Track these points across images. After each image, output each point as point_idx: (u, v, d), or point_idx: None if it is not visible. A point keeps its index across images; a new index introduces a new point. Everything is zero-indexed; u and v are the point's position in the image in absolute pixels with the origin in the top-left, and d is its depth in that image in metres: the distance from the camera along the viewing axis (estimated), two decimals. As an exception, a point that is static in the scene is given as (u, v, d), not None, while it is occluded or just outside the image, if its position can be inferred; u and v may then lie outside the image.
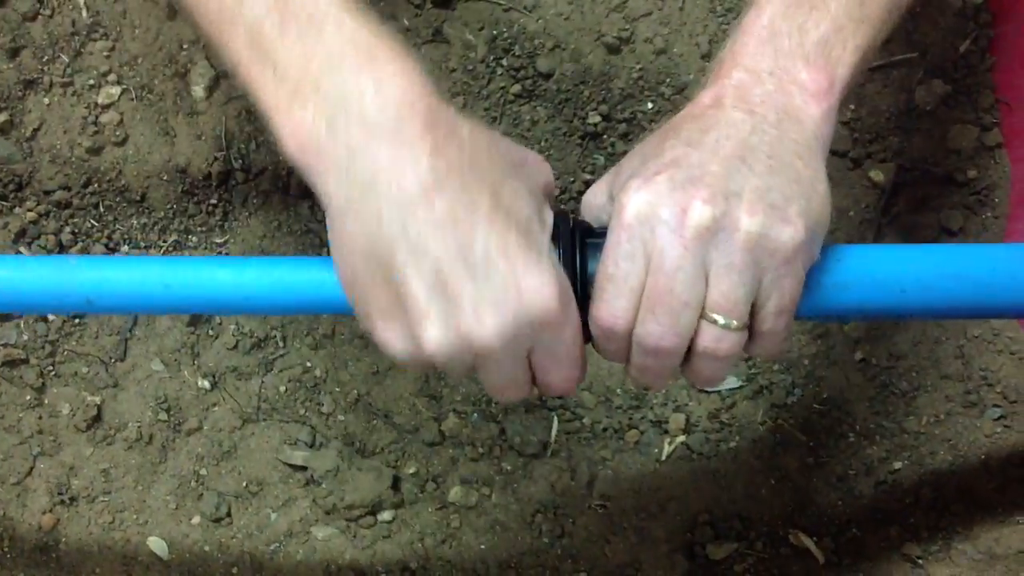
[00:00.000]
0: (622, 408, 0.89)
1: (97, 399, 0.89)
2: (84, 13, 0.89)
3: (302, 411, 0.89)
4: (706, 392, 0.89)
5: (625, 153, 0.87)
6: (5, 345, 0.89)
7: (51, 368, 0.89)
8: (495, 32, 0.88)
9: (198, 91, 0.89)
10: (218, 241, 0.91)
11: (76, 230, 0.89)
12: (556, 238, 0.51)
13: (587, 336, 0.52)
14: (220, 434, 0.89)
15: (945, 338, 0.86)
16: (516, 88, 0.88)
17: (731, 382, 0.89)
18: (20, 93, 0.88)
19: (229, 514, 0.88)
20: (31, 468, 0.88)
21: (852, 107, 0.88)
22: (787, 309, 0.50)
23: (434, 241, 0.45)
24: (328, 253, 0.91)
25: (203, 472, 0.88)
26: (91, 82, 0.89)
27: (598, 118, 0.88)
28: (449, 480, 0.88)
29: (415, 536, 0.87)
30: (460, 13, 0.88)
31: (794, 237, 0.48)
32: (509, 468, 0.89)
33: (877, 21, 0.54)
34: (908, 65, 0.88)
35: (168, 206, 0.90)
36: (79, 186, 0.89)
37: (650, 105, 0.88)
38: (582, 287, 0.51)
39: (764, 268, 0.48)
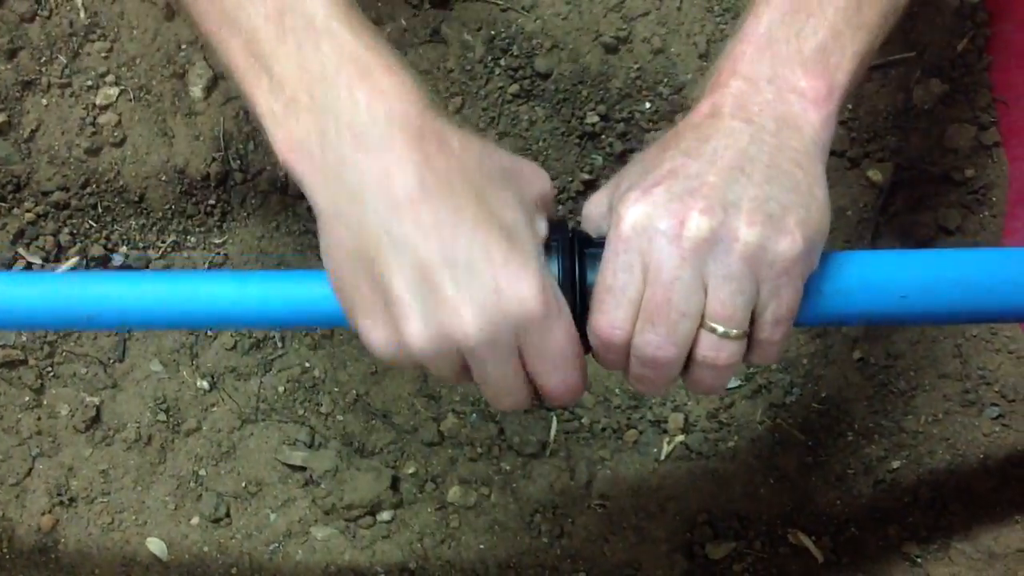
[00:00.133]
0: (621, 408, 0.89)
1: (96, 400, 0.89)
2: (82, 14, 0.89)
3: (301, 411, 0.89)
4: (703, 395, 0.89)
5: (623, 153, 0.88)
6: (4, 346, 0.89)
7: (50, 369, 0.89)
8: (493, 32, 0.88)
9: (196, 92, 0.89)
10: (216, 242, 0.91)
11: (74, 231, 0.89)
12: (555, 248, 0.51)
13: (587, 347, 0.52)
14: (219, 434, 0.89)
15: (943, 337, 0.86)
16: (514, 88, 0.88)
17: (730, 382, 0.89)
18: (18, 94, 0.88)
19: (228, 514, 0.88)
20: (30, 469, 0.88)
21: (850, 107, 0.88)
22: (785, 318, 0.50)
23: (418, 243, 0.46)
24: (326, 253, 0.91)
25: (202, 473, 0.88)
26: (89, 83, 0.89)
27: (596, 118, 0.88)
28: (448, 480, 0.88)
29: (414, 536, 0.87)
30: (458, 13, 0.89)
31: (792, 248, 0.48)
32: (508, 468, 0.89)
33: (874, 27, 0.54)
34: (905, 64, 0.88)
35: (166, 207, 0.90)
36: (77, 187, 0.89)
37: (648, 105, 0.88)
38: (581, 298, 0.51)
39: (762, 278, 0.48)
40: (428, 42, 0.89)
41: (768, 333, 0.50)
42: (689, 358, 0.50)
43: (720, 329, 0.48)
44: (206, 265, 0.90)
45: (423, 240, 0.46)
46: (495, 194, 0.48)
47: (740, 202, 0.48)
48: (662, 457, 0.88)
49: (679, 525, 0.87)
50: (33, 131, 0.89)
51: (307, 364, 0.90)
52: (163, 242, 0.90)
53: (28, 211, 0.89)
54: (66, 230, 0.89)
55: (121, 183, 0.90)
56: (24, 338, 0.89)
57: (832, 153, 0.87)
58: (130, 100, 0.89)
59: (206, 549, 0.87)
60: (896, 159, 0.88)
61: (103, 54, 0.89)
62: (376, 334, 0.48)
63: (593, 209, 0.55)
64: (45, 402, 0.89)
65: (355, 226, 0.47)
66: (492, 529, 0.88)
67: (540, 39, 0.88)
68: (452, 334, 0.46)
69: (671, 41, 0.88)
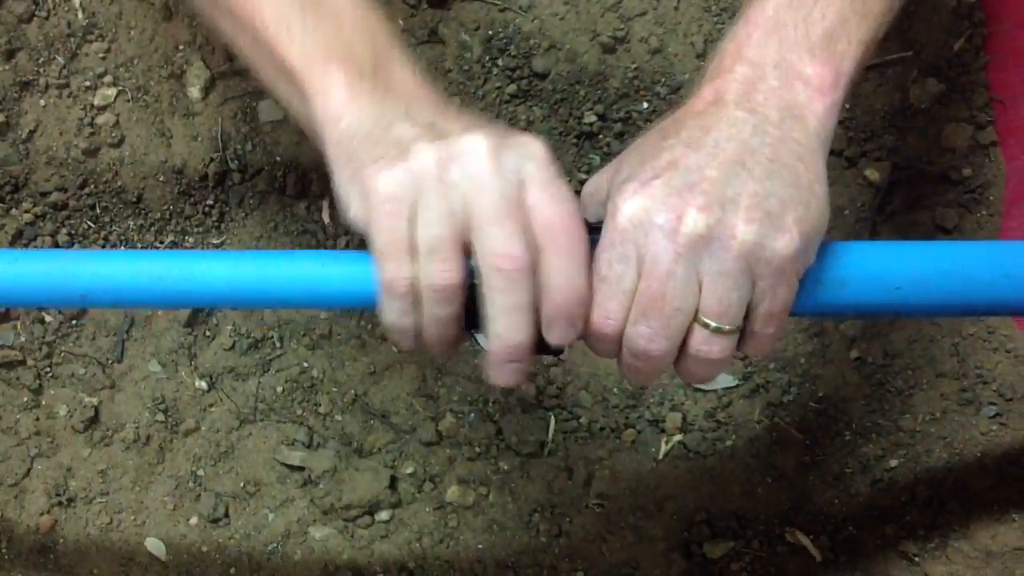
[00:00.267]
0: (619, 407, 0.89)
1: (94, 400, 0.89)
2: (80, 15, 0.89)
3: (299, 411, 0.89)
4: (702, 391, 0.89)
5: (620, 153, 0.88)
6: (2, 347, 0.89)
7: (48, 370, 0.89)
8: (491, 32, 0.88)
9: (194, 92, 0.89)
10: (215, 242, 0.91)
11: (73, 231, 0.89)
12: None
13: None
14: (217, 435, 0.89)
15: (940, 336, 0.86)
16: (512, 88, 0.88)
17: (727, 381, 0.89)
18: (16, 95, 0.88)
19: (227, 514, 0.88)
20: (29, 469, 0.88)
21: (847, 106, 0.88)
22: (779, 313, 0.50)
23: (432, 111, 0.50)
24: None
25: (201, 473, 0.88)
26: (87, 83, 0.89)
27: (594, 118, 0.88)
28: (446, 480, 0.88)
29: (413, 536, 0.87)
30: (456, 13, 0.89)
31: (789, 246, 0.48)
32: (506, 468, 0.89)
33: (878, 16, 0.53)
34: (903, 64, 0.88)
35: (164, 207, 0.90)
36: (75, 187, 0.89)
37: (645, 105, 0.88)
38: None
39: (758, 275, 0.48)
40: (426, 42, 0.89)
41: (762, 327, 0.50)
42: (681, 350, 0.50)
43: (713, 324, 0.48)
44: (204, 265, 0.90)
45: (438, 114, 0.50)
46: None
47: (739, 198, 0.47)
48: (660, 456, 0.88)
49: (677, 524, 0.87)
50: (31, 132, 0.89)
51: (305, 364, 0.90)
52: (161, 242, 0.90)
53: (26, 212, 0.89)
54: (64, 231, 0.89)
55: (119, 184, 0.90)
56: (23, 339, 0.89)
57: (830, 152, 0.87)
58: (128, 101, 0.89)
59: (205, 549, 0.87)
60: (893, 158, 0.88)
61: (101, 55, 0.89)
62: (382, 167, 0.48)
63: (590, 194, 0.55)
64: (43, 402, 0.89)
65: (375, 113, 0.50)
66: (490, 529, 0.88)
67: (537, 39, 0.88)
68: (460, 148, 0.47)
69: (668, 41, 0.88)
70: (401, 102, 0.51)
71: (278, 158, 0.90)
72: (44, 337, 0.89)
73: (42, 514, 0.88)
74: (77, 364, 0.89)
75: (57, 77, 0.88)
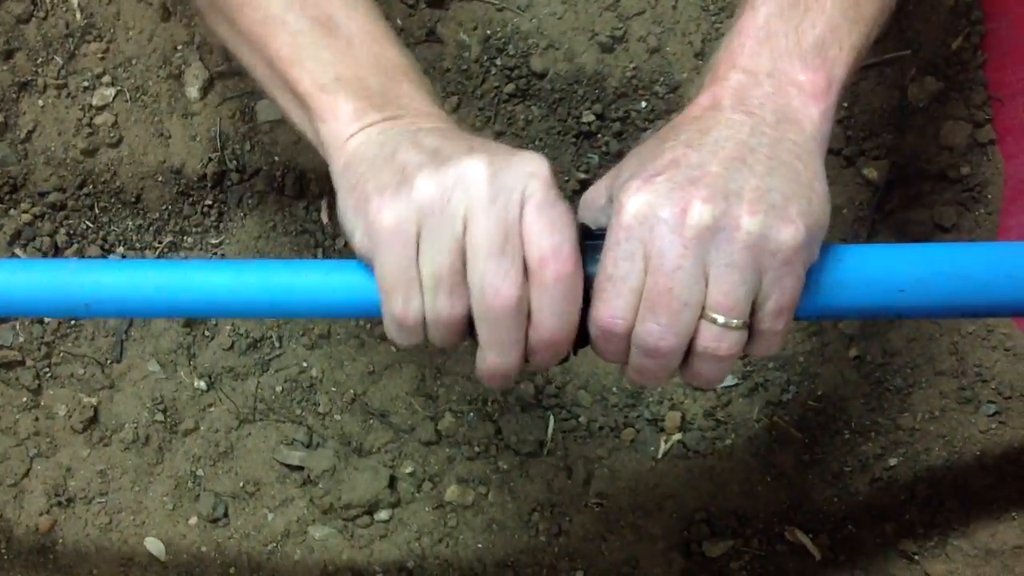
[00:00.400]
0: (618, 407, 0.89)
1: (93, 400, 0.89)
2: (78, 15, 0.89)
3: (298, 411, 0.89)
4: (701, 390, 0.89)
5: (619, 152, 0.88)
6: (1, 347, 0.89)
7: (47, 370, 0.89)
8: (489, 32, 0.88)
9: (192, 92, 0.89)
10: (213, 242, 0.91)
11: (71, 232, 0.90)
12: None
13: (586, 339, 0.52)
14: (217, 435, 0.89)
15: (939, 335, 0.86)
16: (510, 87, 0.88)
17: (727, 380, 0.89)
18: (14, 95, 0.88)
19: (226, 514, 0.88)
20: (28, 470, 0.88)
21: (845, 105, 0.88)
22: (787, 309, 0.50)
23: (436, 137, 0.51)
24: (323, 256, 0.91)
25: (200, 473, 0.88)
26: (85, 84, 0.89)
27: (592, 117, 0.88)
28: (446, 479, 0.88)
29: (412, 535, 0.87)
30: (454, 13, 0.89)
31: (795, 237, 0.48)
32: (506, 467, 0.89)
33: (871, 21, 0.54)
34: (901, 62, 0.88)
35: (163, 207, 0.90)
36: (74, 188, 0.89)
37: (644, 104, 0.88)
38: (582, 288, 0.51)
39: (764, 268, 0.48)
40: (424, 42, 0.89)
41: (770, 324, 0.50)
42: (689, 350, 0.50)
43: (721, 319, 0.48)
44: (203, 265, 0.90)
45: (443, 137, 0.51)
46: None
47: (742, 191, 0.48)
48: (659, 456, 0.88)
49: (676, 523, 0.87)
50: (30, 132, 0.89)
51: (305, 364, 0.90)
52: (160, 242, 0.90)
53: (25, 212, 0.89)
54: (63, 231, 0.89)
55: (118, 184, 0.90)
56: (21, 339, 0.89)
57: (828, 151, 0.87)
58: (126, 101, 0.89)
59: (204, 549, 0.87)
60: (892, 157, 0.88)
61: (99, 55, 0.89)
62: (384, 199, 0.49)
63: (591, 201, 0.55)
64: (43, 403, 0.89)
65: (381, 140, 0.51)
66: (490, 528, 0.88)
67: (536, 39, 0.88)
68: (461, 173, 0.48)
69: (667, 40, 0.88)
70: (408, 129, 0.52)
71: (276, 158, 0.90)
72: (43, 337, 0.89)
73: (41, 514, 0.88)
74: (76, 364, 0.89)
75: (55, 77, 0.88)
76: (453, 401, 0.89)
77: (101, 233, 0.90)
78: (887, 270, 0.53)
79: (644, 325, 0.49)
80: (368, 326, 0.90)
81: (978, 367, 0.85)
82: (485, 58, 0.88)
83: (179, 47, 0.90)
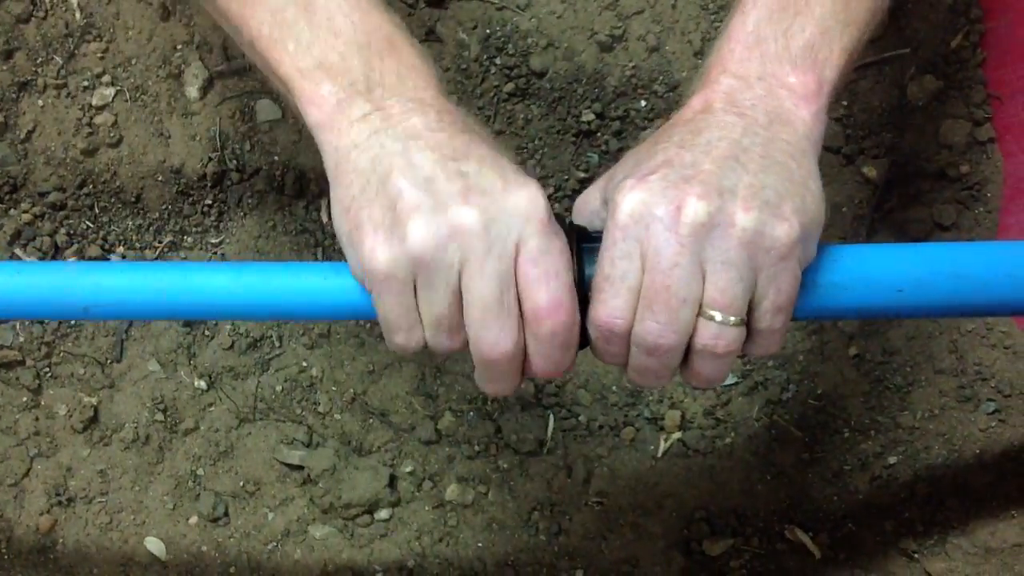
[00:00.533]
0: (618, 405, 0.89)
1: (94, 400, 0.89)
2: (77, 15, 0.89)
3: (298, 411, 0.89)
4: (701, 389, 0.89)
5: (619, 151, 0.88)
6: (1, 347, 0.89)
7: (47, 370, 0.89)
8: (488, 31, 0.88)
9: (192, 92, 0.89)
10: (213, 242, 0.91)
11: (71, 232, 0.90)
12: None
13: (585, 340, 0.52)
14: (217, 434, 0.89)
15: (939, 333, 0.86)
16: (510, 87, 0.88)
17: (727, 374, 0.89)
18: (14, 95, 0.89)
19: (226, 514, 0.88)
20: (28, 469, 0.88)
21: (844, 104, 0.88)
22: (784, 307, 0.50)
23: (430, 156, 0.49)
24: (323, 256, 0.91)
25: (200, 472, 0.89)
26: (85, 83, 0.89)
27: (591, 116, 0.88)
28: (446, 478, 0.88)
29: (412, 535, 0.87)
30: (453, 12, 0.89)
31: (789, 234, 0.48)
32: (506, 466, 0.89)
33: (861, 23, 0.54)
34: (900, 61, 0.88)
35: (163, 207, 0.90)
36: (74, 188, 0.89)
37: (643, 103, 0.88)
38: (579, 290, 0.51)
39: (760, 265, 0.48)
40: (423, 41, 0.89)
41: (768, 322, 0.50)
42: (688, 348, 0.50)
43: (719, 317, 0.48)
44: (203, 265, 0.91)
45: (436, 155, 0.49)
46: (504, 154, 0.52)
47: (736, 188, 0.48)
48: (659, 454, 0.88)
49: (676, 522, 0.87)
50: (29, 132, 0.89)
51: (304, 363, 0.90)
52: (160, 242, 0.90)
53: (25, 212, 0.89)
54: (63, 231, 0.89)
55: (118, 183, 0.90)
56: (21, 339, 0.89)
57: (827, 150, 0.88)
58: (126, 100, 0.89)
59: (204, 548, 0.87)
60: (891, 155, 0.88)
61: (99, 55, 0.89)
62: (379, 241, 0.48)
63: (585, 204, 0.55)
64: (43, 402, 0.89)
65: (373, 150, 0.50)
66: (490, 527, 0.88)
67: (535, 38, 0.88)
68: (455, 225, 0.47)
69: (666, 39, 0.88)
70: (400, 135, 0.50)
71: (276, 158, 0.90)
72: (43, 337, 0.89)
73: (42, 514, 0.88)
74: (76, 364, 0.90)
75: (55, 77, 0.89)
76: (453, 400, 0.89)
77: (101, 233, 0.90)
78: (885, 270, 0.54)
79: (643, 324, 0.49)
80: (368, 326, 0.90)
81: (978, 365, 0.85)
82: (484, 57, 0.88)
83: (179, 47, 0.90)
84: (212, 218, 0.90)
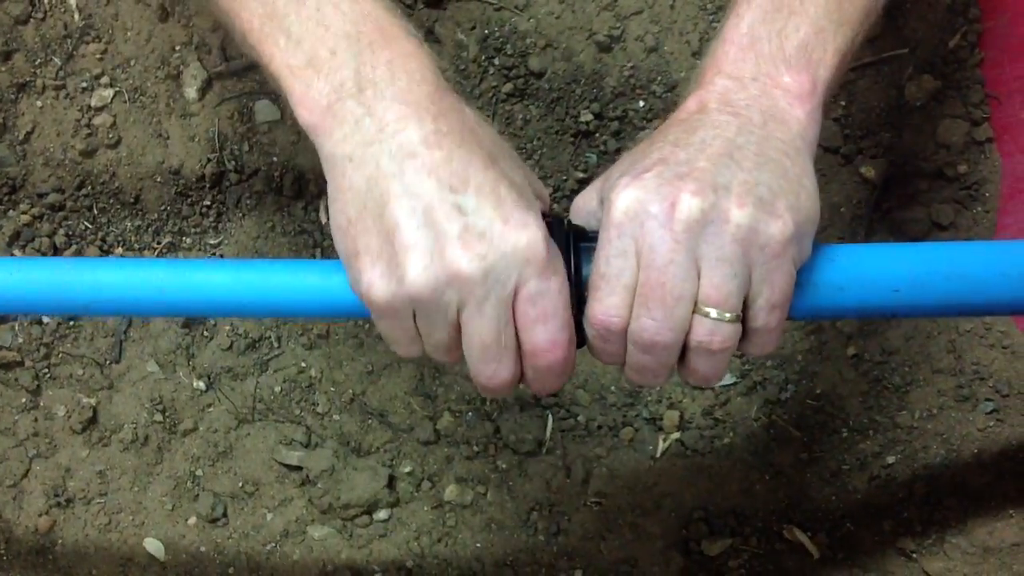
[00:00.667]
0: (616, 406, 0.89)
1: (92, 401, 0.89)
2: (76, 16, 0.89)
3: (297, 411, 0.89)
4: (700, 389, 0.89)
5: (617, 151, 0.88)
6: (0, 348, 0.89)
7: (46, 370, 0.89)
8: (487, 31, 0.88)
9: (191, 93, 0.90)
10: (212, 242, 0.91)
11: (70, 232, 0.90)
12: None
13: (582, 339, 0.52)
14: (215, 435, 0.89)
15: (937, 333, 0.87)
16: (508, 87, 0.88)
17: (725, 378, 0.89)
18: (13, 96, 0.89)
19: (225, 514, 0.88)
20: (27, 470, 0.89)
21: (843, 104, 0.88)
22: (779, 304, 0.50)
23: (427, 183, 0.47)
24: (322, 255, 0.91)
25: (199, 473, 0.89)
26: (84, 85, 0.89)
27: (590, 116, 0.88)
28: (444, 479, 0.88)
29: (411, 535, 0.88)
30: (452, 13, 0.89)
31: (783, 231, 0.48)
32: (504, 466, 0.89)
33: (855, 23, 0.54)
34: (898, 61, 0.88)
35: (162, 208, 0.90)
36: (73, 188, 0.89)
37: (642, 103, 0.88)
38: (576, 289, 0.51)
39: (754, 261, 0.48)
40: (422, 42, 0.89)
41: (763, 320, 0.50)
42: (685, 346, 0.50)
43: (714, 313, 0.48)
44: (202, 266, 0.91)
45: (433, 182, 0.47)
46: (504, 158, 0.51)
47: (731, 185, 0.48)
48: (658, 454, 0.88)
49: (675, 522, 0.87)
50: (28, 133, 0.89)
51: (303, 364, 0.90)
52: (159, 243, 0.90)
53: (24, 213, 0.89)
54: (62, 232, 0.89)
55: (116, 184, 0.90)
56: (20, 340, 0.89)
57: (825, 149, 0.88)
58: (125, 102, 0.89)
59: (203, 549, 0.87)
60: (889, 155, 0.88)
61: (98, 56, 0.89)
62: (376, 275, 0.48)
63: (583, 203, 0.55)
64: (42, 403, 0.89)
65: (368, 168, 0.48)
66: (489, 527, 0.88)
67: (534, 38, 0.88)
68: (453, 267, 0.47)
69: (664, 39, 0.88)
70: (394, 154, 0.48)
71: (275, 159, 0.90)
72: (42, 338, 0.89)
73: (41, 515, 0.88)
74: (75, 365, 0.90)
75: (54, 78, 0.89)
76: (452, 401, 0.89)
77: (100, 234, 0.90)
78: (882, 270, 0.54)
79: (639, 321, 0.49)
80: (367, 326, 0.90)
81: (976, 365, 0.85)
82: (483, 58, 0.88)
83: (177, 48, 0.90)
84: (211, 219, 0.91)
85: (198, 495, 0.88)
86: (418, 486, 0.88)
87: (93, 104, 0.89)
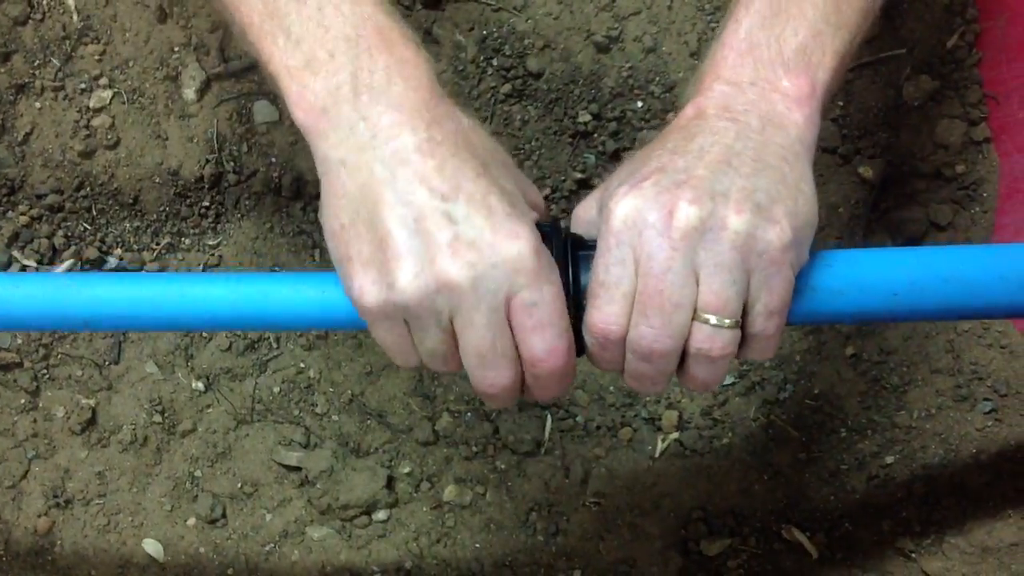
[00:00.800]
0: (615, 406, 0.89)
1: (91, 402, 0.89)
2: (75, 17, 0.89)
3: (296, 412, 0.89)
4: (699, 392, 0.89)
5: (615, 152, 0.88)
6: (-1, 349, 0.89)
7: (45, 371, 0.89)
8: (485, 32, 0.88)
9: (189, 94, 0.90)
10: (211, 243, 0.91)
11: (69, 234, 0.90)
12: (548, 250, 0.51)
13: (581, 347, 0.52)
14: (214, 435, 0.89)
15: (935, 333, 0.87)
16: (506, 88, 0.88)
17: (724, 376, 0.89)
18: (11, 97, 0.89)
19: (224, 515, 0.88)
20: (26, 471, 0.89)
21: (841, 104, 0.88)
22: (777, 310, 0.50)
23: (419, 191, 0.47)
24: (320, 257, 0.91)
25: (198, 474, 0.89)
26: (82, 86, 0.89)
27: (588, 117, 0.88)
28: (443, 479, 0.88)
29: (410, 535, 0.88)
30: (450, 14, 0.89)
31: (781, 237, 0.48)
32: (503, 467, 0.89)
33: (853, 26, 0.55)
34: (896, 61, 0.88)
35: (160, 209, 0.90)
36: (71, 190, 0.89)
37: (640, 104, 0.88)
38: (575, 299, 0.51)
39: (752, 268, 0.48)
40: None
41: (761, 326, 0.50)
42: (684, 353, 0.50)
43: (713, 320, 0.48)
44: (200, 267, 0.91)
45: (426, 190, 0.47)
46: (497, 167, 0.51)
47: (728, 192, 0.48)
48: (656, 455, 0.88)
49: (674, 522, 0.87)
50: (27, 134, 0.89)
51: (302, 365, 0.90)
52: (157, 244, 0.90)
53: (22, 214, 0.89)
54: (60, 233, 0.89)
55: (115, 186, 0.90)
56: (19, 341, 0.89)
57: (823, 150, 0.88)
58: (123, 103, 0.90)
59: (202, 550, 0.88)
60: (887, 156, 0.88)
61: (96, 57, 0.89)
62: (367, 281, 0.48)
63: (583, 212, 0.56)
64: (41, 404, 0.89)
65: (361, 175, 0.48)
66: (488, 528, 0.88)
67: (532, 39, 0.88)
68: (444, 276, 0.47)
69: (662, 40, 0.88)
70: (387, 163, 0.48)
71: (274, 159, 0.90)
72: (41, 339, 0.89)
73: (40, 516, 0.88)
74: (74, 366, 0.90)
75: (52, 79, 0.89)
76: (451, 401, 0.89)
77: (99, 235, 0.90)
78: (880, 274, 0.54)
79: (638, 329, 0.49)
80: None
81: (974, 365, 0.85)
82: (481, 59, 0.88)
83: (176, 49, 0.90)
84: (209, 220, 0.91)
85: (197, 496, 0.88)
86: (417, 487, 0.88)
87: (92, 105, 0.89)
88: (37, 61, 0.89)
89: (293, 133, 0.90)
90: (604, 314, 0.50)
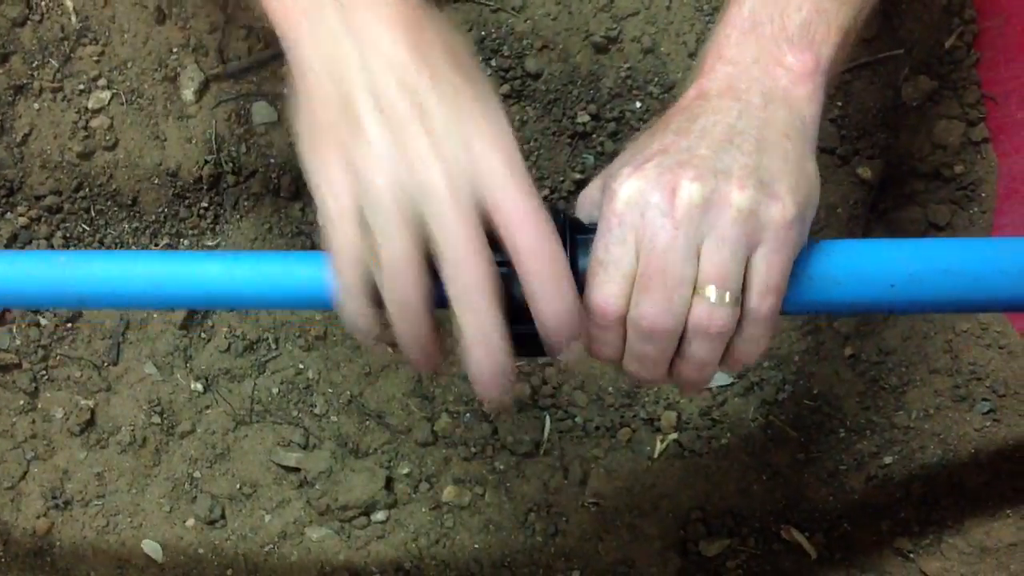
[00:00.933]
0: (614, 407, 0.89)
1: (90, 403, 0.89)
2: (73, 18, 0.89)
3: (295, 413, 0.89)
4: (692, 392, 0.89)
5: (614, 152, 0.88)
6: (-2, 350, 0.89)
7: (44, 372, 0.89)
8: (483, 33, 0.88)
9: (188, 95, 0.90)
10: (209, 244, 0.91)
11: (68, 235, 0.90)
12: None
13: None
14: (213, 436, 0.89)
15: (934, 333, 0.87)
16: (505, 88, 0.88)
17: (722, 379, 0.89)
18: (10, 99, 0.89)
19: (223, 516, 0.88)
20: (25, 473, 0.89)
21: (839, 104, 0.88)
22: (774, 288, 0.50)
23: (392, 77, 0.46)
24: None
25: (197, 475, 0.89)
26: (81, 87, 0.89)
27: (587, 117, 0.88)
28: (442, 480, 0.88)
29: (409, 536, 0.88)
30: (449, 14, 0.89)
31: (784, 213, 0.48)
32: (502, 467, 0.89)
33: (857, 3, 0.55)
34: (894, 62, 0.88)
35: (159, 209, 0.90)
36: (70, 191, 0.89)
37: (639, 104, 0.88)
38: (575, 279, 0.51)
39: (754, 244, 0.48)
40: (419, 43, 0.89)
41: (757, 304, 0.50)
42: (682, 339, 0.50)
43: (713, 295, 0.48)
44: (199, 267, 0.91)
45: (398, 77, 0.46)
46: (473, 70, 0.49)
47: (731, 169, 0.48)
48: (655, 455, 0.88)
49: (672, 523, 0.87)
50: (25, 135, 0.89)
51: (301, 365, 0.90)
52: (156, 245, 0.90)
53: (21, 215, 0.89)
54: (59, 234, 0.89)
55: (114, 186, 0.90)
56: (18, 342, 0.89)
57: (822, 150, 0.88)
58: (122, 104, 0.90)
59: (201, 551, 0.88)
60: (886, 156, 0.88)
61: (95, 58, 0.89)
62: (336, 173, 0.47)
63: (587, 198, 0.55)
64: (39, 405, 0.89)
65: (335, 65, 0.47)
66: (486, 528, 0.88)
67: (530, 39, 0.88)
68: (417, 162, 0.45)
69: (661, 40, 0.88)
70: (362, 51, 0.47)
71: (272, 160, 0.90)
72: (40, 340, 0.89)
73: (38, 517, 0.88)
74: (73, 367, 0.90)
75: (51, 80, 0.89)
76: (449, 402, 0.89)
77: (97, 236, 0.90)
78: (878, 265, 0.54)
79: (639, 308, 0.49)
80: (364, 327, 0.90)
81: (972, 365, 0.85)
82: (480, 59, 0.88)
83: (174, 50, 0.90)
84: (208, 221, 0.91)
85: (196, 497, 0.88)
86: (416, 487, 0.88)
87: (90, 106, 0.89)
88: (35, 62, 0.89)
89: (292, 134, 0.90)
90: (603, 293, 0.49)
